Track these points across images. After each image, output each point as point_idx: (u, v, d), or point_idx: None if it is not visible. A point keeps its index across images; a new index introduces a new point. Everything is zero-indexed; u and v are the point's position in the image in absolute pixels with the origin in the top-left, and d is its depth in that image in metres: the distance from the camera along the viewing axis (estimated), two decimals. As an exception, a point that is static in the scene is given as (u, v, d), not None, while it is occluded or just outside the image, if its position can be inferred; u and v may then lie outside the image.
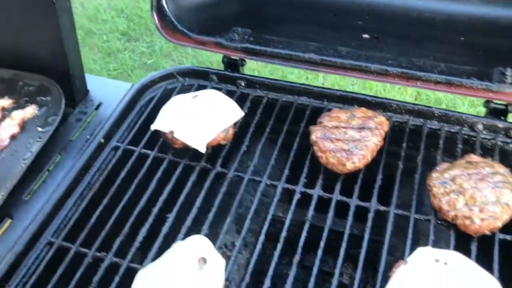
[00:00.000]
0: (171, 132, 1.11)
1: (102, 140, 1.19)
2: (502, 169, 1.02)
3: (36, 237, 1.01)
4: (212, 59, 3.33)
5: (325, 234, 0.98)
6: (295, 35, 1.32)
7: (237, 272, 1.12)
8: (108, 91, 1.32)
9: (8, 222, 1.03)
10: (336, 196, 1.05)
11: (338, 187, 1.07)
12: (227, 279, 0.91)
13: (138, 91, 1.30)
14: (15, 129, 1.16)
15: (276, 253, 0.96)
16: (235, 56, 1.32)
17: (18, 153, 1.11)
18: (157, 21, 1.32)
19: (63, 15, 1.13)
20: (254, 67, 3.30)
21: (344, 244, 0.96)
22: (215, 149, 1.15)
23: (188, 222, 1.02)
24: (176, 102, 1.19)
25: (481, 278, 0.86)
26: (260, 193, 1.07)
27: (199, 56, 3.46)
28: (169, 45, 3.58)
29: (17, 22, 1.20)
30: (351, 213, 1.02)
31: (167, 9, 1.31)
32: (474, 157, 1.05)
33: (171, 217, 1.03)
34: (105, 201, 1.06)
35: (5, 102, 1.23)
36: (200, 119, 1.13)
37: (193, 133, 1.10)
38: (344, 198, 1.05)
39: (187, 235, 0.98)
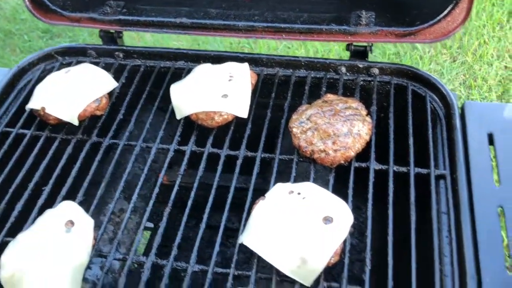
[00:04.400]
0: (43, 109, 1.12)
1: (-22, 126, 1.18)
2: (355, 103, 1.08)
3: None
4: (143, 39, 3.31)
5: (195, 185, 1.03)
6: (168, 2, 1.34)
7: (127, 236, 1.15)
8: (-14, 78, 1.30)
9: None
10: (208, 149, 1.10)
11: (210, 140, 1.11)
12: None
13: (16, 75, 1.30)
14: None
15: (148, 211, 1.00)
16: (109, 29, 1.33)
17: None
18: (27, 3, 1.32)
19: None
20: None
21: (213, 192, 1.01)
22: (92, 121, 1.17)
23: (63, 191, 1.04)
24: (49, 80, 1.19)
25: (330, 202, 0.92)
26: (134, 157, 1.10)
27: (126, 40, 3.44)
28: (93, 37, 3.52)
29: None
30: (221, 162, 1.07)
31: (36, -10, 1.30)
32: (330, 96, 1.11)
33: (46, 189, 1.04)
34: (-20, 184, 1.07)
35: None
36: (70, 92, 1.14)
37: (63, 106, 1.12)
38: (215, 150, 1.10)
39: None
